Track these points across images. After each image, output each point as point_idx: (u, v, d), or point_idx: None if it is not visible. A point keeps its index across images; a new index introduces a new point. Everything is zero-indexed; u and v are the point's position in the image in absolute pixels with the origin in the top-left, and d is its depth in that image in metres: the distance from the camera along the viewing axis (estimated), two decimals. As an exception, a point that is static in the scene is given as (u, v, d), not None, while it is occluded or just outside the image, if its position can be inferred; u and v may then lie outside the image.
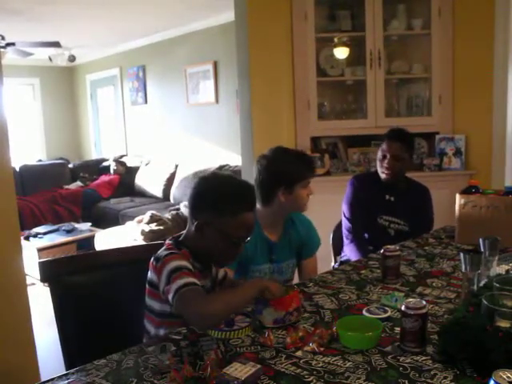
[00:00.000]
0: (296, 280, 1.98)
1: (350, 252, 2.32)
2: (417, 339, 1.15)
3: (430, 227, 2.39)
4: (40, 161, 7.27)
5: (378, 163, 2.35)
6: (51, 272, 1.53)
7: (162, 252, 1.38)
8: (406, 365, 1.10)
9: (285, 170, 1.78)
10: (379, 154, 2.34)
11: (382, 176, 2.34)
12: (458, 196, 2.07)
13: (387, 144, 2.31)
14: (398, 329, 1.24)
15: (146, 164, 6.37)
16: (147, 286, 1.42)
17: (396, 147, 2.28)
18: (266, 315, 1.33)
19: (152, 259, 1.39)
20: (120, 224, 5.21)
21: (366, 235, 2.38)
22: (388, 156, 2.29)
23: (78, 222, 5.43)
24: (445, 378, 1.04)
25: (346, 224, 2.39)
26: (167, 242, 1.45)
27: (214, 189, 1.42)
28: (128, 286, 1.56)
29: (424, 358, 1.13)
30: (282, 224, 1.90)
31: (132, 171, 6.47)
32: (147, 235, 4.31)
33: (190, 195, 1.44)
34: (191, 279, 1.27)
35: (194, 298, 1.23)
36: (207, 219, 1.38)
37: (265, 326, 1.33)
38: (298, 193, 1.80)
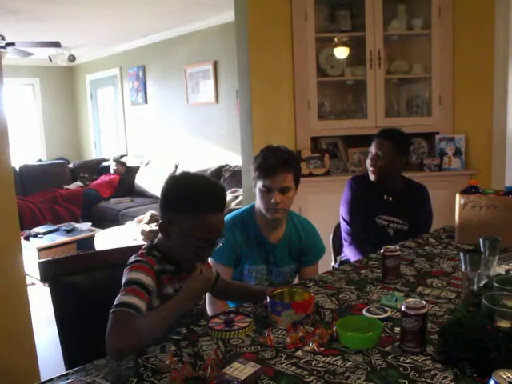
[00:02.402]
0: (295, 281, 1.97)
1: (350, 254, 2.32)
2: (417, 339, 1.15)
3: (428, 226, 2.39)
4: (40, 161, 7.29)
5: (367, 162, 2.35)
6: (51, 272, 1.53)
7: (131, 258, 1.38)
8: (406, 365, 1.10)
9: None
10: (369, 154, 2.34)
11: (370, 176, 2.33)
12: (457, 196, 2.07)
13: (375, 142, 2.31)
14: (398, 329, 1.24)
15: (146, 164, 6.37)
16: None
17: (383, 145, 2.27)
18: (284, 317, 1.32)
19: None
20: (120, 224, 5.21)
21: (366, 235, 2.37)
22: (373, 153, 2.29)
23: (78, 222, 5.44)
24: (445, 378, 1.04)
25: (344, 227, 2.37)
26: (144, 245, 1.44)
27: (178, 187, 1.39)
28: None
29: (424, 358, 1.13)
30: (283, 227, 1.89)
31: (132, 171, 6.47)
32: (147, 235, 4.30)
33: (160, 194, 1.42)
34: (133, 299, 1.23)
35: (118, 322, 1.19)
36: (170, 218, 1.36)
37: (280, 326, 1.32)
38: (259, 192, 1.80)
